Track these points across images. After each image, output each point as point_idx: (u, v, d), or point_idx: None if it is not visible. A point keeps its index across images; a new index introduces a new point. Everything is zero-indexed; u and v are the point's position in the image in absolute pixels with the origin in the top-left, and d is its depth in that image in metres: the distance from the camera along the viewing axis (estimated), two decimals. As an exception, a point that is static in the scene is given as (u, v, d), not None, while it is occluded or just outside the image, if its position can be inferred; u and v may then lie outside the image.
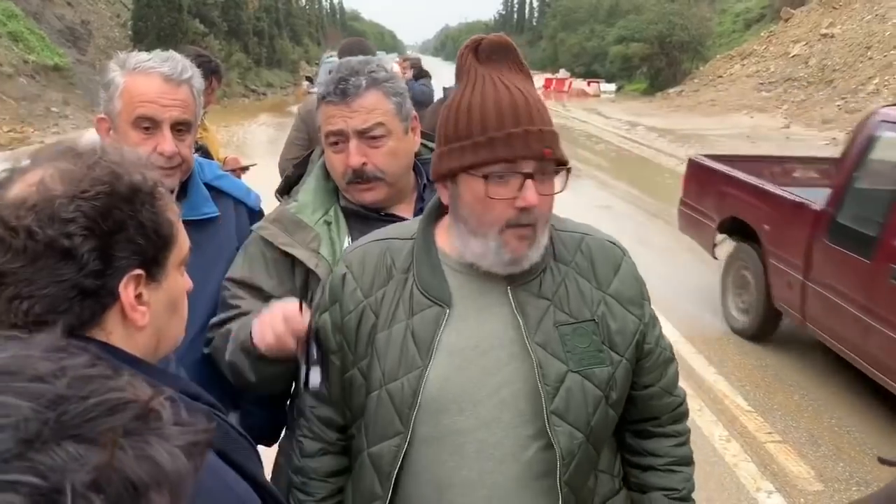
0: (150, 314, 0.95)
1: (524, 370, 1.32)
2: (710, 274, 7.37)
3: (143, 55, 1.73)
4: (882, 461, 1.26)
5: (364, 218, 1.72)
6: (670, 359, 1.51)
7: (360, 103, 1.64)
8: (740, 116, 22.32)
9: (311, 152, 1.92)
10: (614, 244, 1.47)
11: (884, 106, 5.27)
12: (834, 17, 25.54)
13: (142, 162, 0.96)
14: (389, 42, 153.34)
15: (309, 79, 6.71)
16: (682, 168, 7.31)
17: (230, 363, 1.60)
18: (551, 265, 1.38)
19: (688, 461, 1.54)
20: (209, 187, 1.89)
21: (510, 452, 1.34)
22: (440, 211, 1.43)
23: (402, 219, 1.69)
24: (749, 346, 5.49)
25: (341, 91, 1.64)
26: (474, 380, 1.33)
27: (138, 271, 0.92)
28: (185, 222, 1.69)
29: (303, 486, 1.50)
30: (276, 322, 1.45)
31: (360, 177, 1.67)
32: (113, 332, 0.93)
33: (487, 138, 1.26)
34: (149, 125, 1.69)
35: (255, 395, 1.78)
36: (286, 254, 1.67)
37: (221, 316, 1.70)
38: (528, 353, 1.31)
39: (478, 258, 1.33)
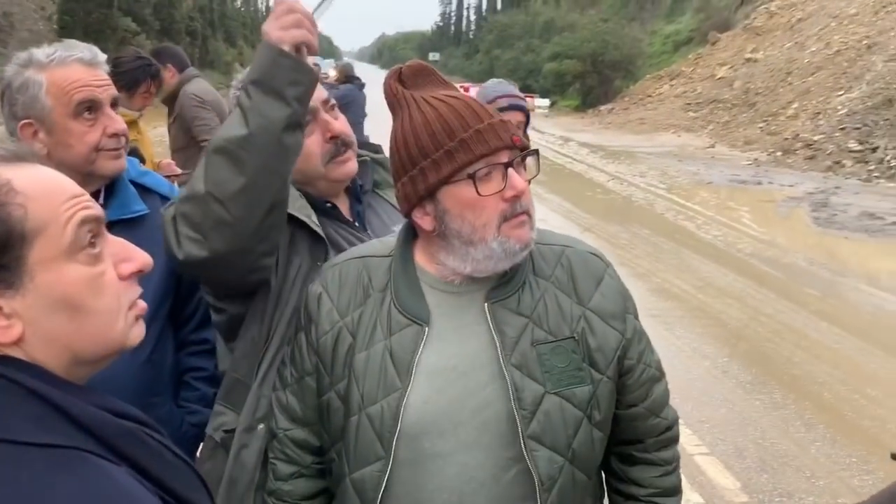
0: (23, 323, 0.84)
1: (504, 391, 1.28)
2: (640, 286, 7.56)
3: (46, 50, 1.68)
4: (894, 457, 1.30)
5: (316, 208, 1.64)
6: (657, 377, 1.43)
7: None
8: (668, 135, 22.99)
9: None
10: (597, 257, 1.43)
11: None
12: (757, 43, 26.65)
13: None
14: (326, 48, 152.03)
15: None
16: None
17: (218, 146, 1.41)
18: (530, 280, 1.35)
19: (673, 492, 1.47)
20: (134, 185, 1.84)
21: (491, 475, 1.30)
22: (414, 230, 1.39)
23: (342, 213, 1.69)
24: (678, 360, 5.63)
25: None
26: (454, 402, 1.29)
27: None
28: (116, 222, 1.64)
29: None
30: (286, 11, 1.43)
31: (345, 144, 1.63)
32: (17, 343, 0.84)
33: (459, 141, 1.25)
34: (91, 111, 1.65)
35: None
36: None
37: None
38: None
39: (482, 264, 1.29)
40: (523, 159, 1.30)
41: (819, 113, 18.24)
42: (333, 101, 1.68)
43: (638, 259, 8.69)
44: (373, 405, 1.30)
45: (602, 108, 32.18)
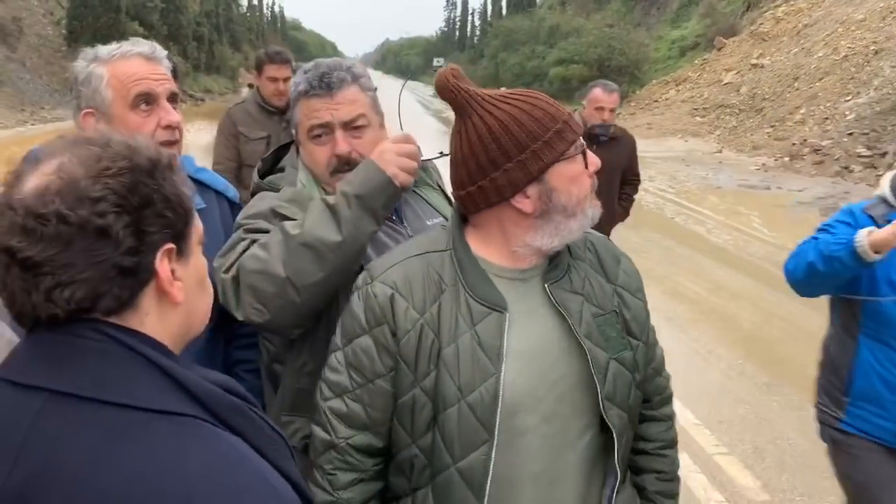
0: (183, 290, 0.94)
1: (575, 363, 1.42)
2: (653, 289, 7.59)
3: (111, 46, 1.76)
4: None
5: None
6: (656, 341, 1.63)
7: (344, 96, 1.72)
8: (675, 140, 23.02)
9: (290, 143, 1.92)
10: (608, 239, 1.61)
11: None
12: (763, 49, 26.66)
13: (148, 139, 0.97)
14: (330, 53, 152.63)
15: (252, 86, 6.59)
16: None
17: (307, 242, 1.55)
18: (571, 262, 1.49)
19: (674, 443, 1.66)
20: (192, 180, 1.89)
21: (568, 442, 1.44)
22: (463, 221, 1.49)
23: None
24: (693, 362, 5.66)
25: (326, 84, 1.71)
26: (535, 380, 1.41)
27: (170, 245, 0.91)
28: None
29: None
30: (403, 152, 1.58)
31: (346, 164, 1.72)
32: (149, 313, 0.91)
33: (563, 122, 1.39)
34: (147, 103, 1.72)
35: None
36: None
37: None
38: (579, 346, 1.42)
39: (571, 236, 1.43)
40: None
41: (827, 118, 18.24)
42: (360, 125, 1.74)
43: (650, 263, 8.71)
44: (472, 393, 1.37)
45: (608, 113, 32.15)
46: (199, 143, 18.80)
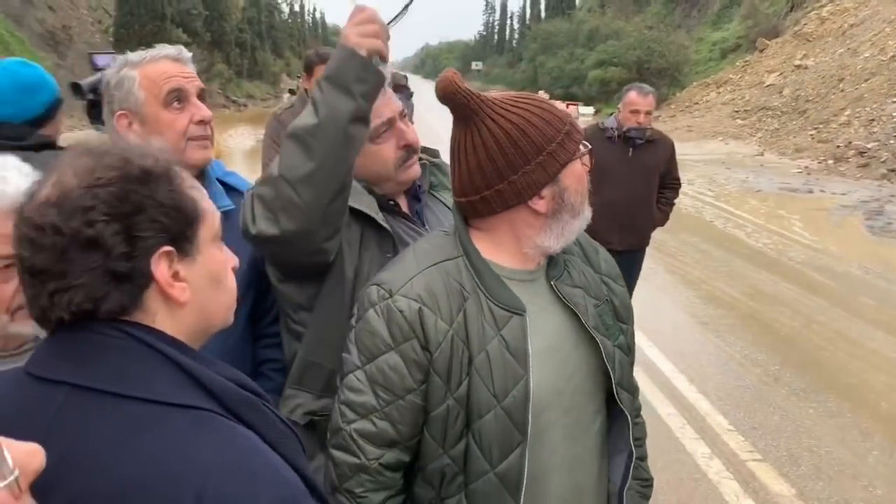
0: (190, 290, 0.97)
1: (586, 355, 1.49)
2: (689, 293, 7.51)
3: (139, 52, 1.83)
4: None
5: (381, 206, 1.77)
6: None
7: (390, 93, 1.78)
8: (716, 143, 22.71)
9: None
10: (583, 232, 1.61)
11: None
12: (808, 50, 26.17)
13: (153, 147, 1.00)
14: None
15: (292, 92, 6.63)
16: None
17: (291, 133, 1.54)
18: (564, 257, 1.54)
19: (640, 410, 1.71)
20: (220, 183, 1.96)
21: (584, 429, 1.51)
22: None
23: (402, 210, 1.82)
24: (728, 367, 5.59)
25: None
26: (555, 376, 1.45)
27: (167, 248, 0.93)
28: None
29: None
30: (366, 20, 1.55)
31: (415, 151, 1.79)
32: (157, 312, 0.95)
33: (570, 124, 1.44)
34: (179, 100, 1.78)
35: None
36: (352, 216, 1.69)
37: None
38: (588, 338, 1.48)
39: (572, 235, 1.47)
40: None
41: (873, 120, 17.83)
42: (406, 112, 1.82)
43: (687, 267, 8.63)
44: (506, 398, 1.39)
45: (648, 115, 31.86)
46: (242, 147, 19.15)
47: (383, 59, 1.58)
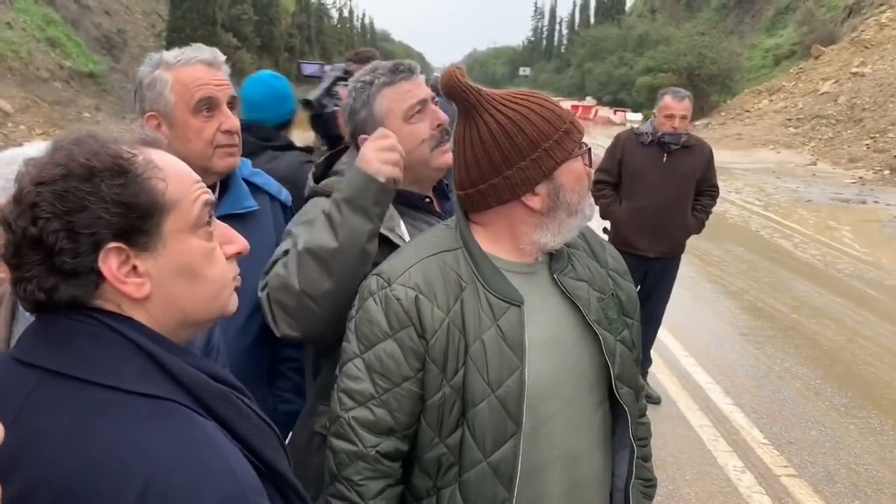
0: (152, 284, 0.95)
1: (588, 347, 1.48)
2: (730, 304, 7.33)
3: (174, 52, 1.81)
4: None
5: (409, 204, 1.81)
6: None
7: (421, 78, 1.84)
8: (767, 151, 22.22)
9: (343, 149, 1.98)
10: (589, 227, 1.62)
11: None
12: (865, 57, 25.45)
13: (112, 140, 0.97)
14: (418, 63, 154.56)
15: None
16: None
17: (310, 250, 1.60)
18: (569, 251, 1.55)
19: (645, 411, 1.72)
20: (246, 183, 1.96)
21: (587, 422, 1.50)
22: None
23: (435, 207, 1.86)
24: (767, 380, 5.43)
25: (407, 69, 1.81)
26: (557, 367, 1.45)
27: (115, 244, 0.92)
28: (228, 216, 1.78)
29: None
30: (388, 148, 1.61)
31: (447, 132, 1.80)
32: (120, 303, 0.95)
33: (570, 122, 1.42)
34: (208, 108, 1.77)
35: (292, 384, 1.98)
36: None
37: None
38: (591, 331, 1.47)
39: (571, 233, 1.46)
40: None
41: (932, 129, 17.25)
42: (437, 98, 1.84)
43: (730, 277, 8.43)
44: (500, 387, 1.38)
45: (697, 122, 31.41)
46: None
47: (397, 184, 1.65)
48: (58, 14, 25.85)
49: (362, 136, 1.78)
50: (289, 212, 2.03)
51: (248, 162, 2.14)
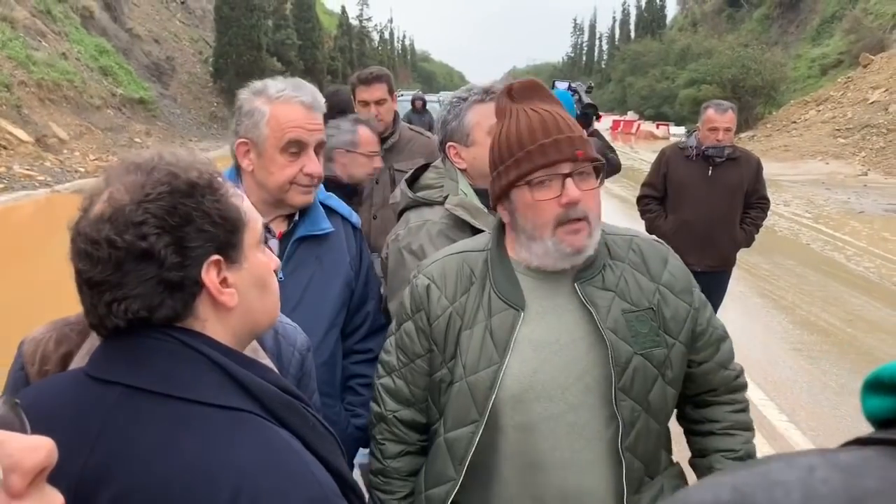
0: (238, 295, 1.01)
1: (601, 356, 1.48)
2: (782, 318, 7.18)
3: (278, 84, 1.86)
4: None
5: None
6: (723, 337, 1.64)
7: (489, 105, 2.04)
8: (815, 163, 21.78)
9: (428, 164, 2.22)
10: (660, 243, 1.64)
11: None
12: (916, 64, 24.84)
13: (197, 160, 1.04)
14: (458, 82, 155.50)
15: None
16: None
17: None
18: (608, 262, 1.55)
19: (747, 426, 1.65)
20: (322, 205, 2.03)
21: (595, 431, 1.49)
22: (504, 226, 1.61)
23: None
24: (823, 395, 5.30)
25: (493, 94, 2.02)
26: (560, 369, 1.48)
27: (216, 257, 0.98)
28: (306, 237, 1.91)
29: (385, 486, 1.65)
30: None
31: None
32: (207, 318, 1.00)
33: (525, 152, 1.44)
34: (297, 150, 1.83)
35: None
36: (473, 233, 1.92)
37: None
38: (603, 338, 1.47)
39: (542, 259, 1.49)
40: (594, 171, 1.47)
41: None
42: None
43: (781, 291, 8.26)
44: (473, 374, 1.50)
45: (742, 135, 30.95)
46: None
47: None
48: (110, 43, 26.71)
49: (450, 144, 2.05)
50: (358, 234, 2.13)
51: (322, 186, 2.21)
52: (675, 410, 1.66)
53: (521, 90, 1.52)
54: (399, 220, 2.16)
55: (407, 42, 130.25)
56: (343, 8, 59.45)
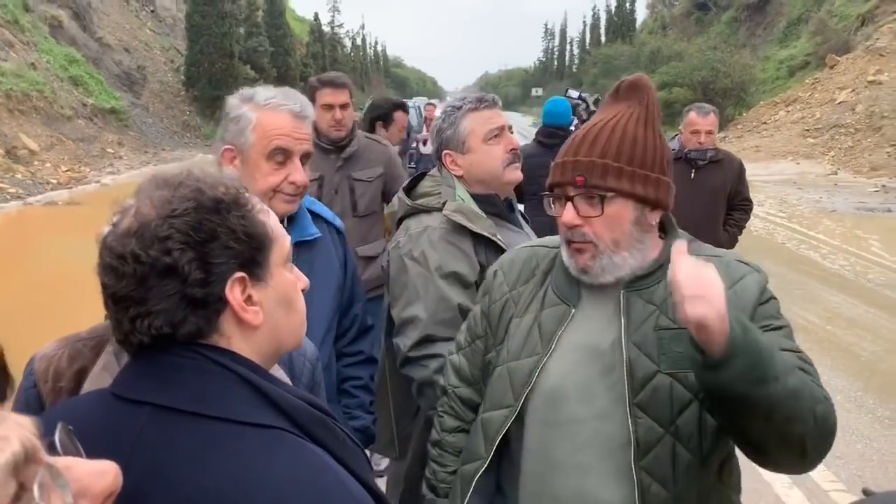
0: (263, 313, 1.00)
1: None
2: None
3: (268, 91, 1.84)
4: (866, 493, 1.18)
5: (496, 214, 2.17)
6: (794, 366, 1.37)
7: (498, 108, 2.24)
8: (786, 163, 22.08)
9: (424, 173, 2.29)
10: (746, 264, 1.53)
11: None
12: (881, 65, 25.30)
13: (223, 176, 1.03)
14: (431, 88, 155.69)
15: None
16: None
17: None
18: (667, 279, 1.42)
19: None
20: (308, 211, 2.04)
21: (623, 444, 1.44)
22: None
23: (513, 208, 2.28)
24: (807, 393, 5.37)
25: (491, 101, 2.21)
26: (593, 375, 1.48)
27: (240, 274, 0.97)
28: (297, 244, 1.85)
29: (439, 459, 1.73)
30: None
31: (517, 156, 2.19)
32: (232, 336, 0.98)
33: (553, 166, 1.52)
34: (282, 157, 1.81)
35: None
36: (473, 238, 2.04)
37: (427, 333, 2.00)
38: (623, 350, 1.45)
39: (569, 264, 1.54)
40: (588, 196, 1.45)
41: (954, 135, 17.08)
42: (512, 126, 2.18)
43: (758, 290, 8.35)
44: (515, 361, 1.55)
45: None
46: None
47: None
48: (80, 53, 26.35)
49: (446, 152, 2.15)
50: (343, 237, 2.13)
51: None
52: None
53: (625, 88, 1.51)
54: (398, 229, 2.18)
55: (379, 48, 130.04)
56: (315, 15, 59.16)
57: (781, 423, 1.29)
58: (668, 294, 1.40)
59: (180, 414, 0.91)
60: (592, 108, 3.81)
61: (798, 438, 1.32)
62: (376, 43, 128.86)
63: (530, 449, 1.53)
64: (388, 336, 2.17)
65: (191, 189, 0.97)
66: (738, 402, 1.27)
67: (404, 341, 2.02)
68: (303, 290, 1.11)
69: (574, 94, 4.41)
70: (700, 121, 4.79)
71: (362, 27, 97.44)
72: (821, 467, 4.31)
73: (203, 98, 31.62)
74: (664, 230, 1.57)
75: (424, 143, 12.09)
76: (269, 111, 1.80)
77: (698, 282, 1.24)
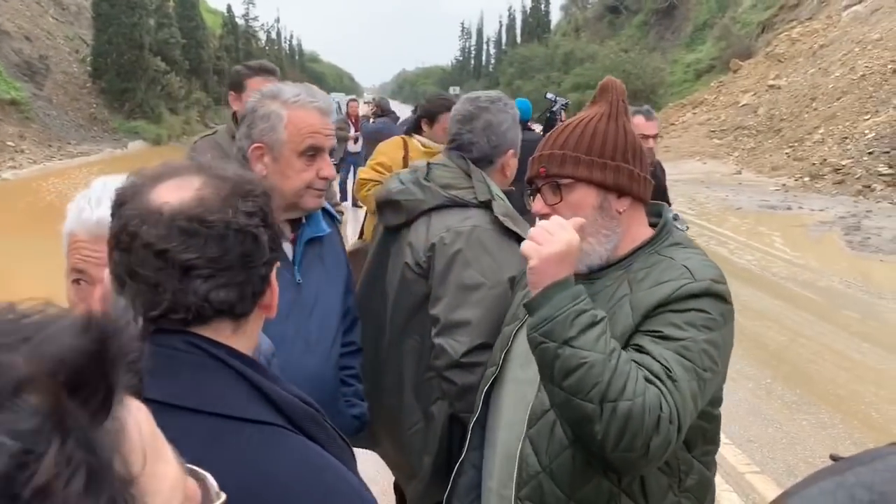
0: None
1: None
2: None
3: (292, 89, 1.87)
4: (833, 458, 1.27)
5: (511, 198, 2.26)
6: (649, 378, 1.40)
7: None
8: (694, 162, 23.00)
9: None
10: (691, 272, 1.53)
11: None
12: (780, 70, 26.67)
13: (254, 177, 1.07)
14: (348, 84, 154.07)
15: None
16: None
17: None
18: (612, 273, 1.56)
19: None
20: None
21: (527, 410, 1.63)
22: None
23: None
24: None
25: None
26: None
27: (277, 263, 1.02)
28: (311, 240, 1.95)
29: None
30: None
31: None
32: (249, 323, 1.01)
33: (529, 162, 1.64)
34: (314, 153, 1.85)
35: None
36: (517, 240, 2.00)
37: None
38: None
39: None
40: (551, 185, 1.57)
41: (846, 137, 18.18)
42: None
43: (673, 284, 8.71)
44: (506, 326, 1.78)
45: (625, 137, 32.15)
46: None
47: None
48: (-26, 41, 24.89)
49: (511, 151, 2.29)
50: (337, 224, 2.24)
51: None
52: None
53: (599, 92, 1.67)
54: (431, 220, 2.11)
55: (295, 42, 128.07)
56: (228, 6, 57.77)
57: (571, 393, 1.36)
58: (606, 287, 1.55)
59: (177, 410, 0.90)
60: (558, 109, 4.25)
61: (587, 418, 1.35)
62: (291, 37, 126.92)
63: (494, 400, 1.76)
64: (403, 331, 2.22)
65: (251, 176, 1.02)
66: (538, 357, 1.44)
67: (454, 346, 2.01)
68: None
69: (551, 96, 4.93)
70: (647, 125, 4.53)
71: (277, 20, 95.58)
72: (735, 450, 4.56)
73: (111, 90, 30.38)
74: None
75: (356, 141, 12.01)
76: (298, 108, 1.83)
77: (543, 231, 1.44)
